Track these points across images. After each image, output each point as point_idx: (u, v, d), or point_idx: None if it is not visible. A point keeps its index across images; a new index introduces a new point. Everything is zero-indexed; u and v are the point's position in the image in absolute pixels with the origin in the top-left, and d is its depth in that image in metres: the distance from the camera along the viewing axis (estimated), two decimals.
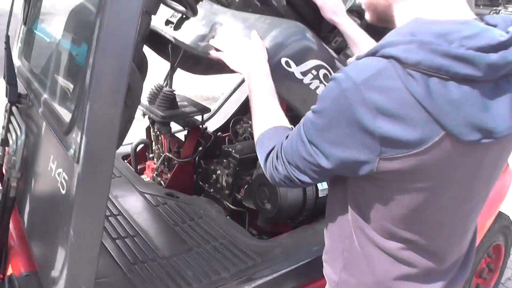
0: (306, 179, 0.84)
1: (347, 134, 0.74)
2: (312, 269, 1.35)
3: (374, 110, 0.71)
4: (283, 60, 1.12)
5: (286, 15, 1.30)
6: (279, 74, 1.10)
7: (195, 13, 1.32)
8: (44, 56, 1.37)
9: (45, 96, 1.16)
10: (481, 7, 13.71)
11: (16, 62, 1.54)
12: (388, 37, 0.76)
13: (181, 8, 1.35)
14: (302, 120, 0.84)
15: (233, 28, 1.22)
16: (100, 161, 0.90)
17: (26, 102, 1.38)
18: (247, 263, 1.32)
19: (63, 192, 0.96)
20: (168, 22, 1.41)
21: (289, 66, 1.13)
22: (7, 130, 1.50)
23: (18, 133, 1.35)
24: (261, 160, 0.94)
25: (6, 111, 1.53)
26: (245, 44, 1.12)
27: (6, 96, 1.39)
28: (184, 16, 1.37)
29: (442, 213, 0.83)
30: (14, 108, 1.46)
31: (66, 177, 0.95)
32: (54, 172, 1.04)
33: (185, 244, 1.41)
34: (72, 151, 0.89)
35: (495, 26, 0.76)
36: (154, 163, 2.04)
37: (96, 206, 0.92)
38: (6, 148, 1.61)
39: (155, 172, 1.96)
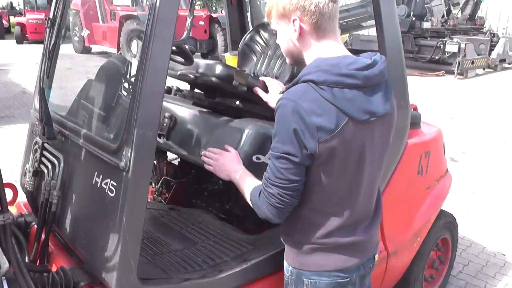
0: (292, 181, 1.29)
1: (301, 130, 1.22)
2: None
3: (309, 112, 1.21)
4: (254, 158, 1.65)
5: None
6: (255, 167, 1.59)
7: (191, 62, 1.75)
8: (86, 105, 1.77)
9: (86, 131, 1.55)
10: (429, 38, 14.71)
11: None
12: (304, 71, 1.28)
13: (180, 59, 1.77)
14: (270, 156, 1.33)
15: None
16: (142, 169, 1.29)
17: (59, 138, 1.75)
18: (242, 250, 1.71)
19: (112, 195, 1.34)
20: (159, 135, 1.89)
21: (259, 159, 1.67)
22: (40, 162, 1.85)
23: (56, 162, 1.71)
24: (261, 211, 1.38)
25: (36, 148, 1.89)
26: (225, 157, 1.61)
27: (44, 134, 1.75)
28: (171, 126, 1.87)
29: (354, 180, 1.34)
30: (46, 145, 1.83)
31: (115, 184, 1.33)
32: (100, 183, 1.42)
33: (192, 241, 1.79)
34: (123, 163, 1.28)
35: (364, 57, 1.32)
36: (153, 187, 2.41)
37: (141, 199, 1.30)
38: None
39: (155, 193, 2.33)
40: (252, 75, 2.31)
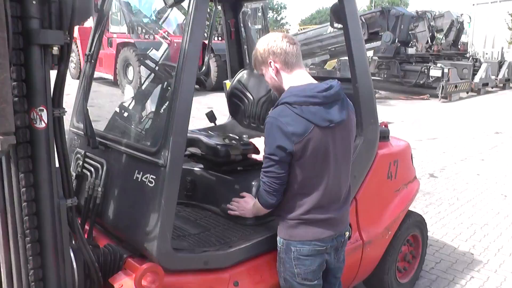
0: (276, 173, 1.87)
1: (281, 137, 1.78)
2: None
3: (285, 124, 1.78)
4: None
5: None
6: None
7: (205, 87, 2.27)
8: (125, 121, 2.28)
9: (127, 140, 2.06)
10: (414, 64, 15.44)
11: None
12: (281, 96, 1.87)
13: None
14: (264, 157, 1.93)
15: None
16: (176, 165, 1.79)
17: (101, 148, 2.24)
18: (245, 233, 2.20)
19: (152, 185, 1.83)
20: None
21: None
22: (82, 168, 2.34)
23: (99, 166, 2.20)
24: (264, 201, 2.01)
25: (78, 156, 2.38)
26: (246, 203, 2.25)
27: (89, 145, 2.24)
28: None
29: (322, 170, 1.90)
30: (88, 153, 2.32)
31: (154, 177, 1.83)
32: (140, 178, 1.91)
33: (205, 227, 2.27)
34: (161, 161, 1.78)
35: (324, 83, 1.89)
36: None
37: (174, 187, 1.80)
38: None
39: None
40: (246, 120, 2.91)
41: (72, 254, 1.80)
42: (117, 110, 2.51)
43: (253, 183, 2.34)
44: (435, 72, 14.46)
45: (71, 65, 16.76)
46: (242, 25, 3.27)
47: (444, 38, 18.41)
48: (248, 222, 2.29)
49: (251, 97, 2.80)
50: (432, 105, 13.44)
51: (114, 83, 14.33)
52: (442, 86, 14.03)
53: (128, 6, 13.83)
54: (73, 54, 16.55)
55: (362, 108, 2.47)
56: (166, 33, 13.92)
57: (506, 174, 6.44)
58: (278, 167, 1.87)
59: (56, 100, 1.69)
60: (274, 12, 61.09)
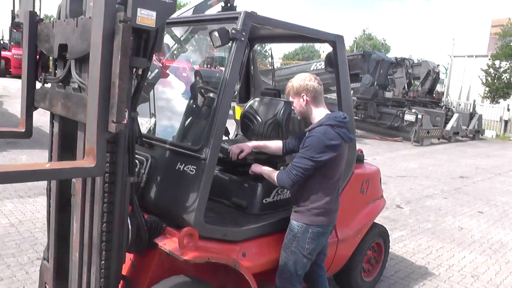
0: (305, 170, 2.64)
1: (323, 149, 2.59)
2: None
3: (330, 140, 2.57)
4: (263, 201, 3.11)
5: None
6: (265, 206, 3.08)
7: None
8: (170, 124, 3.00)
9: (172, 140, 2.78)
10: (390, 107, 16.51)
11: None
12: (321, 120, 2.67)
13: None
14: (299, 155, 2.69)
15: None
16: (213, 160, 2.52)
17: (146, 145, 2.94)
18: (251, 219, 2.92)
19: (193, 173, 2.55)
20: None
21: (266, 200, 3.12)
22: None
23: (144, 159, 2.90)
24: (282, 182, 2.75)
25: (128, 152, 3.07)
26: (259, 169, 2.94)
27: (137, 143, 2.94)
28: None
29: (339, 173, 2.72)
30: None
31: (195, 167, 2.54)
32: (182, 168, 2.62)
33: (221, 213, 2.97)
34: (203, 156, 2.50)
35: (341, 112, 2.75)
36: None
37: (210, 175, 2.52)
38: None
39: None
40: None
41: (129, 219, 2.49)
42: (160, 119, 3.22)
43: (259, 183, 3.06)
44: (409, 117, 15.52)
45: None
46: (252, 62, 4.06)
47: (420, 85, 19.72)
48: (253, 212, 3.01)
49: (260, 119, 3.54)
50: (404, 147, 14.45)
51: None
52: (415, 131, 15.10)
53: None
54: None
55: None
56: (158, 57, 14.73)
57: (465, 211, 7.30)
58: (309, 169, 2.64)
59: (134, 105, 2.40)
60: (258, 45, 62.79)
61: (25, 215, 5.16)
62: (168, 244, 2.48)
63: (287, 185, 2.74)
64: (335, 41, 3.24)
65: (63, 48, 2.44)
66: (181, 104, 3.40)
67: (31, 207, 5.42)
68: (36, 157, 7.69)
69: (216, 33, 2.52)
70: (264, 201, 3.05)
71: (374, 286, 4.07)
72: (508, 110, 22.68)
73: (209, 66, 15.81)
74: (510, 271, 4.93)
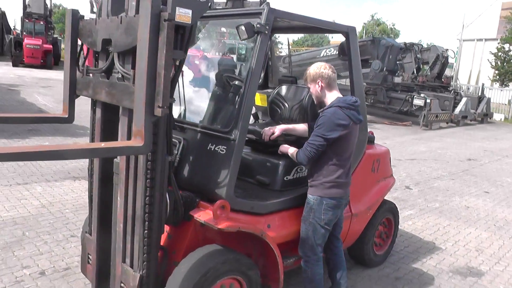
0: (318, 147, 2.97)
1: (333, 127, 2.91)
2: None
3: (338, 119, 2.89)
4: (284, 178, 3.43)
5: None
6: (287, 183, 3.42)
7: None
8: (202, 108, 3.31)
9: (203, 123, 3.09)
10: (399, 92, 16.71)
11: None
12: (332, 103, 2.98)
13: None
14: (313, 133, 3.02)
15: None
16: (242, 140, 2.82)
17: (178, 129, 3.25)
18: (274, 194, 3.23)
19: (223, 153, 2.86)
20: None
21: (287, 178, 3.44)
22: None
23: (177, 141, 3.21)
24: (300, 158, 3.08)
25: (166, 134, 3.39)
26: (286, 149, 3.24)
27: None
28: None
29: (350, 150, 3.04)
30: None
31: (225, 147, 2.85)
32: (213, 148, 2.93)
33: (246, 190, 3.28)
34: (232, 137, 2.81)
35: (352, 97, 3.09)
36: None
37: (239, 154, 2.82)
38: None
39: None
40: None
41: (167, 194, 2.80)
42: (191, 104, 3.52)
43: (280, 162, 3.36)
44: (418, 101, 15.72)
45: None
46: (270, 51, 4.34)
47: (429, 70, 19.84)
48: (275, 188, 3.32)
49: (287, 105, 3.82)
50: (413, 131, 14.68)
51: None
52: (424, 115, 15.31)
53: None
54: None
55: None
56: None
57: (472, 192, 7.59)
58: (321, 145, 2.97)
59: (171, 92, 2.70)
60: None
61: (54, 197, 5.51)
62: (202, 215, 2.80)
63: (304, 161, 3.07)
64: (348, 32, 3.52)
65: (106, 42, 2.75)
66: (205, 90, 3.70)
67: (59, 190, 5.76)
68: (58, 143, 8.03)
69: (243, 27, 2.81)
70: (285, 178, 3.36)
71: (385, 259, 4.38)
72: None
73: (220, 54, 16.09)
74: None
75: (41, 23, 22.99)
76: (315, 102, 3.28)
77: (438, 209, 6.40)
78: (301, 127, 3.43)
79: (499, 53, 41.65)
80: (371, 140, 4.00)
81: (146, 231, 2.67)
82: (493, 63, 42.36)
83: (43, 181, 6.05)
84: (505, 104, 23.66)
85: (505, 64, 40.88)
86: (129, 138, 2.67)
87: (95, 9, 22.77)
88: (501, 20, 46.79)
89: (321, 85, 3.09)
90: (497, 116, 22.43)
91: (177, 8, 2.39)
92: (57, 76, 19.29)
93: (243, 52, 20.02)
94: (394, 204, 4.41)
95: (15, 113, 8.85)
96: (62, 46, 29.34)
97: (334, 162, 3.06)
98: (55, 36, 24.51)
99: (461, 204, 6.78)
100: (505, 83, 39.52)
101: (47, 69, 22.61)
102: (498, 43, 42.22)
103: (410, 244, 4.95)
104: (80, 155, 2.21)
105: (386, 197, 4.24)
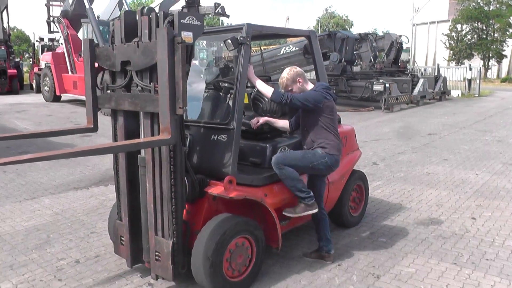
0: (299, 104, 3.91)
1: (317, 97, 3.87)
2: None
3: (321, 94, 3.87)
4: (281, 148, 4.33)
5: None
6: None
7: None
8: (203, 109, 4.14)
9: (204, 120, 3.92)
10: (359, 80, 17.83)
11: None
12: (313, 88, 3.95)
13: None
14: (299, 96, 3.93)
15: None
16: (238, 128, 3.66)
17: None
18: (267, 171, 4.09)
19: (225, 140, 3.69)
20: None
21: (285, 149, 4.33)
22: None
23: (187, 136, 4.02)
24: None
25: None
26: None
27: None
28: None
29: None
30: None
31: (226, 136, 3.68)
32: (216, 138, 3.76)
33: (242, 169, 4.12)
34: (231, 126, 3.64)
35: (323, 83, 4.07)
36: None
37: (238, 140, 3.66)
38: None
39: None
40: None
41: (185, 177, 3.61)
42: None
43: (267, 145, 4.19)
44: (378, 87, 16.88)
45: (45, 89, 18.14)
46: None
47: (385, 57, 21.08)
48: (265, 165, 4.14)
49: (266, 100, 4.68)
50: (376, 115, 15.79)
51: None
52: (385, 99, 16.46)
53: (100, 33, 15.49)
54: (47, 78, 17.93)
55: None
56: None
57: (432, 161, 8.62)
58: (295, 104, 3.84)
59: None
60: None
61: (63, 206, 6.19)
62: (215, 190, 3.62)
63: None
64: (310, 35, 4.41)
65: (124, 63, 3.55)
66: (198, 94, 4.53)
67: (65, 200, 6.45)
68: (49, 162, 8.65)
69: (229, 41, 3.65)
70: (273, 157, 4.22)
71: (360, 220, 5.28)
72: (470, 69, 24.28)
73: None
74: (468, 197, 6.24)
75: (2, 48, 23.17)
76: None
77: (402, 178, 7.38)
78: (283, 122, 4.28)
79: (452, 34, 43.68)
80: (338, 121, 4.89)
81: (173, 207, 3.47)
82: (447, 44, 44.42)
83: (49, 194, 6.72)
84: (461, 81, 25.20)
85: (458, 43, 43.02)
86: (152, 135, 3.47)
87: (52, 29, 23.34)
88: (451, 2, 49.12)
89: (301, 81, 3.98)
90: (455, 93, 23.93)
91: (182, 32, 3.22)
92: (27, 100, 19.68)
93: (204, 57, 21.01)
94: (363, 173, 5.33)
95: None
96: (25, 69, 29.49)
97: (329, 127, 3.97)
98: (16, 60, 24.63)
99: (423, 171, 7.79)
100: (460, 61, 41.62)
101: (13, 94, 22.87)
102: (450, 24, 44.30)
103: (380, 207, 5.88)
104: (128, 149, 3.03)
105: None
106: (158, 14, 3.33)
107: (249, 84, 4.11)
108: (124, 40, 3.60)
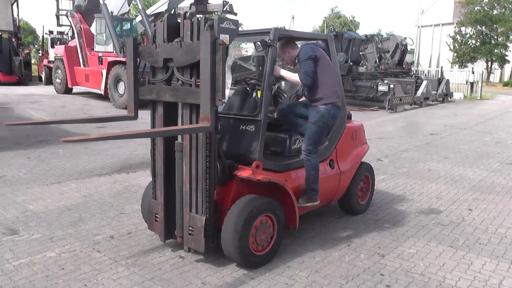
0: (311, 67, 4.43)
1: (312, 52, 4.42)
2: None
3: (312, 48, 4.47)
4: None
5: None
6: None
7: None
8: (234, 103, 4.68)
9: (234, 111, 4.46)
10: (364, 80, 18.36)
11: None
12: (301, 48, 4.57)
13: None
14: (301, 63, 4.50)
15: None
16: (265, 120, 4.18)
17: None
18: (287, 158, 4.62)
19: (252, 130, 4.23)
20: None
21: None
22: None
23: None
24: (303, 79, 4.45)
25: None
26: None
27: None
28: None
29: (332, 73, 4.62)
30: None
31: (254, 126, 4.21)
32: (244, 128, 4.29)
33: (266, 156, 4.65)
34: (259, 119, 4.17)
35: None
36: None
37: (264, 130, 4.19)
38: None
39: None
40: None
41: (217, 162, 4.14)
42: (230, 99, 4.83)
43: (287, 136, 4.71)
44: (382, 88, 17.44)
45: (57, 81, 18.68)
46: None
47: (390, 58, 21.63)
48: (285, 154, 4.66)
49: (286, 95, 5.20)
50: (380, 114, 16.32)
51: (104, 96, 16.39)
52: (389, 99, 17.00)
53: (113, 28, 16.03)
54: (59, 71, 18.46)
55: None
56: None
57: (434, 158, 9.16)
58: (311, 64, 4.33)
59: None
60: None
61: (90, 189, 6.71)
62: (244, 173, 4.15)
63: (306, 80, 4.38)
64: (327, 38, 4.94)
65: (167, 60, 4.08)
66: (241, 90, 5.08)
67: (91, 185, 6.97)
68: (69, 150, 9.18)
69: (259, 43, 4.18)
70: (292, 147, 4.75)
71: (366, 208, 5.81)
72: (473, 73, 24.81)
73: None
74: (465, 191, 6.78)
75: (13, 40, 23.70)
76: (292, 65, 4.78)
77: (405, 173, 7.92)
78: (296, 77, 4.65)
79: (456, 36, 44.15)
80: (349, 117, 5.42)
81: (207, 186, 4.00)
82: (451, 46, 44.88)
83: (74, 179, 7.24)
84: (464, 84, 25.73)
85: (462, 46, 43.51)
86: (191, 123, 4.01)
87: (61, 22, 23.96)
88: (456, 5, 49.66)
89: (288, 51, 4.58)
90: (457, 95, 24.46)
91: (221, 34, 3.75)
92: (39, 92, 20.27)
93: None
94: (370, 165, 5.86)
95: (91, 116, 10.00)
96: (33, 61, 30.01)
97: (325, 79, 4.44)
98: (26, 52, 25.19)
99: (424, 168, 8.33)
100: (464, 64, 42.15)
101: (23, 86, 23.45)
102: (455, 27, 44.78)
103: (385, 198, 6.42)
104: (176, 133, 3.60)
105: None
106: (200, 19, 3.86)
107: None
108: (166, 40, 4.12)
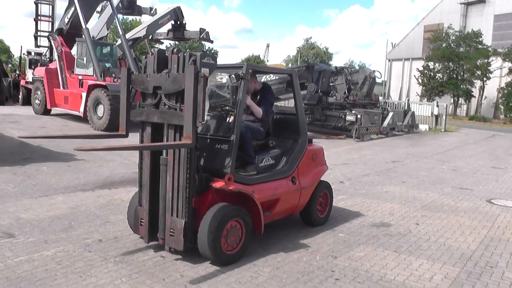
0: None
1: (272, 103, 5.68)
2: None
3: (273, 97, 5.72)
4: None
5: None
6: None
7: None
8: (208, 125, 5.52)
9: (211, 132, 5.31)
10: (333, 110, 19.43)
11: None
12: (263, 83, 5.64)
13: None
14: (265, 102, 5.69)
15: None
16: (237, 140, 5.03)
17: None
18: (257, 173, 5.46)
19: (226, 148, 5.06)
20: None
21: None
22: None
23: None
24: (265, 115, 5.63)
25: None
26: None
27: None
28: None
29: None
30: None
31: (227, 146, 5.04)
32: (219, 147, 5.13)
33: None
34: (231, 139, 5.01)
35: None
36: None
37: (236, 149, 5.03)
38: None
39: None
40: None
41: (196, 174, 4.94)
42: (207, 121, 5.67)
43: (256, 156, 5.58)
44: (350, 117, 18.56)
45: (36, 102, 19.23)
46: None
47: (359, 90, 22.89)
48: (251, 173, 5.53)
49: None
50: (347, 143, 17.37)
51: (82, 118, 17.01)
52: (356, 129, 18.11)
53: (95, 53, 16.79)
54: (38, 92, 19.03)
55: (300, 126, 5.88)
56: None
57: (392, 182, 10.12)
58: (271, 105, 5.54)
59: None
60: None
61: (76, 202, 7.37)
62: (218, 184, 4.96)
63: (265, 117, 5.55)
64: (292, 74, 5.86)
65: (156, 88, 4.92)
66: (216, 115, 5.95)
67: (76, 198, 7.63)
68: (53, 167, 9.82)
69: (233, 75, 5.06)
70: (259, 165, 5.60)
71: (325, 221, 6.66)
72: (437, 106, 26.29)
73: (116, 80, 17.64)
74: (416, 210, 7.71)
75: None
76: (248, 93, 5.68)
77: (364, 194, 8.84)
78: (259, 110, 5.65)
79: (425, 71, 46.24)
80: (310, 140, 6.32)
81: (187, 194, 4.79)
82: (420, 80, 46.92)
83: (60, 193, 7.89)
84: (429, 116, 27.18)
85: (430, 80, 45.56)
86: (175, 141, 4.83)
87: (39, 43, 24.73)
88: (424, 41, 52.10)
89: (255, 82, 5.59)
90: (423, 127, 25.83)
91: (202, 68, 4.62)
92: (17, 112, 20.74)
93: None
94: (329, 183, 6.74)
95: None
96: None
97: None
98: (16, 73, 25.68)
99: (382, 190, 9.27)
100: (431, 97, 44.07)
101: (0, 105, 23.86)
102: (424, 62, 46.94)
103: (343, 213, 7.28)
104: (165, 147, 4.44)
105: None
106: (185, 54, 4.73)
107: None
108: (156, 71, 4.96)
